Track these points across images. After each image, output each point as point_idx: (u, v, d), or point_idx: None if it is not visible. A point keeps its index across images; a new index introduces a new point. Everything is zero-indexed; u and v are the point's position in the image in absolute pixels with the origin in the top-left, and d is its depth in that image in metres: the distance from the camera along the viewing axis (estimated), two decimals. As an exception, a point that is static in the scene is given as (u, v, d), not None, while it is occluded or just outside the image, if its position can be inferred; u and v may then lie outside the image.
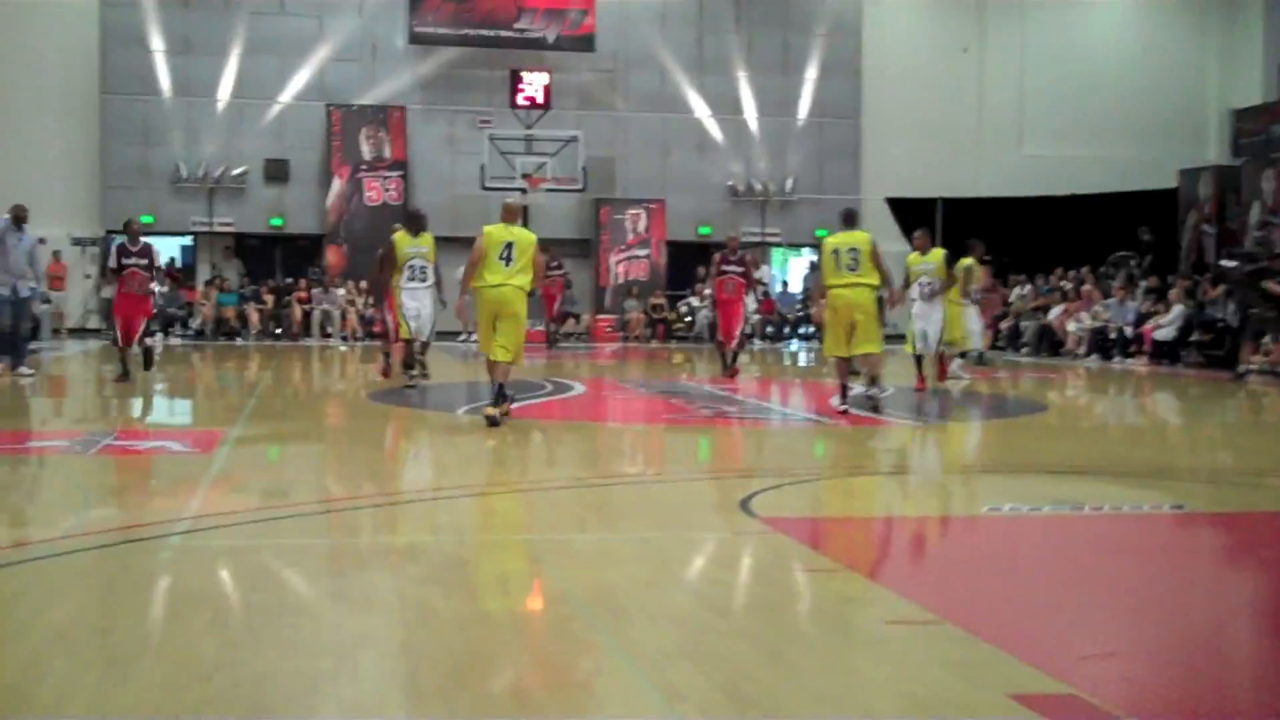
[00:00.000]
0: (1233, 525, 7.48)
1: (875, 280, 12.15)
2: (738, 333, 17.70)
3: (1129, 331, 22.95)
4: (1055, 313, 25.06)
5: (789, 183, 30.31)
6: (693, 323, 28.54)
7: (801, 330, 29.24)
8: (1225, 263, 23.64)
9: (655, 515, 7.29)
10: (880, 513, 7.97)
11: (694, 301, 28.70)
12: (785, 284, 31.01)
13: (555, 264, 23.48)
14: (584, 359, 21.88)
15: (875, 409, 12.14)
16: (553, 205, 28.78)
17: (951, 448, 11.14)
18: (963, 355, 16.76)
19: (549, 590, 5.49)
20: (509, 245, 10.96)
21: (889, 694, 4.03)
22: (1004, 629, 4.84)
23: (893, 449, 10.81)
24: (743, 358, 19.18)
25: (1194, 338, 21.88)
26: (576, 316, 28.60)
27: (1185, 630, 4.99)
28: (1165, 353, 22.14)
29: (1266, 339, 19.12)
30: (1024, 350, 24.91)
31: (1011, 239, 26.88)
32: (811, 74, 30.45)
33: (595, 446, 10.88)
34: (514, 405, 11.36)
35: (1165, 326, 22.30)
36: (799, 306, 29.63)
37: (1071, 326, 24.27)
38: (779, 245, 31.23)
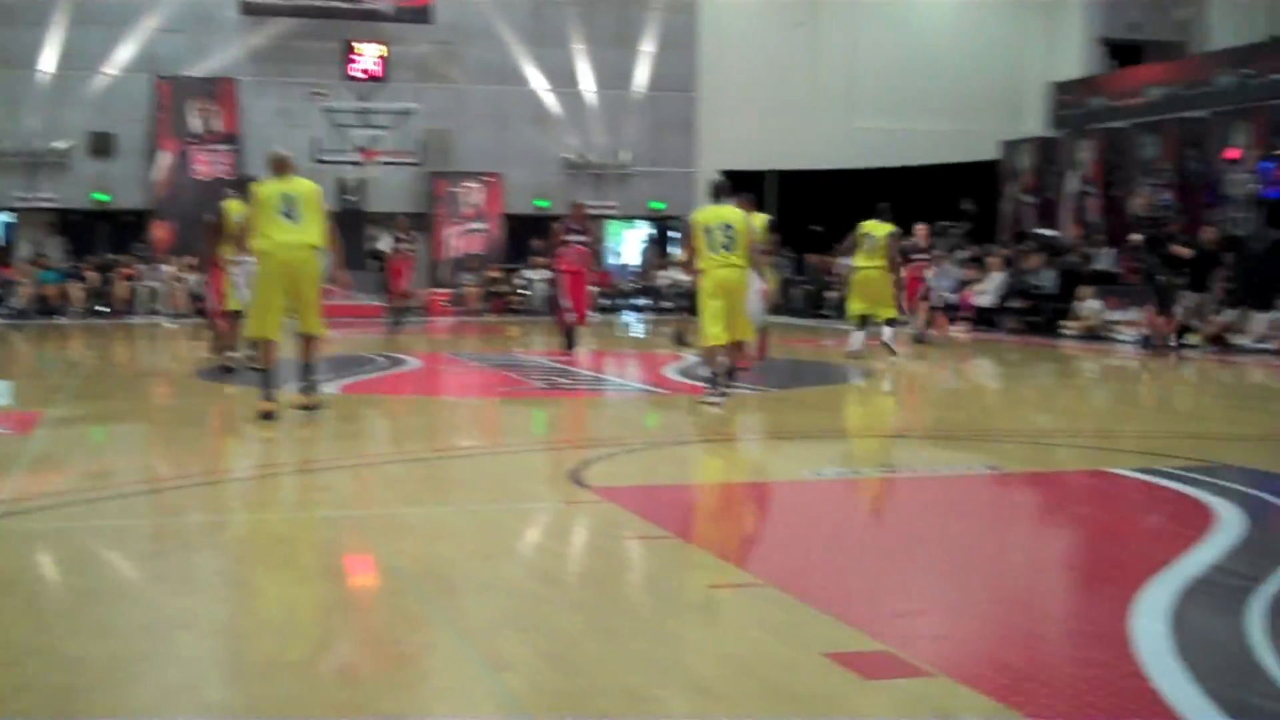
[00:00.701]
0: (1043, 484, 7.78)
1: (747, 261, 11.07)
2: (586, 306, 17.10)
3: (951, 298, 23.62)
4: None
5: (625, 155, 30.42)
6: (529, 295, 28.52)
7: (636, 302, 29.41)
8: (1045, 230, 24.48)
9: (488, 488, 7.31)
10: (709, 480, 8.10)
11: (530, 274, 28.68)
12: (620, 256, 31.18)
13: (406, 237, 23.10)
14: (418, 333, 21.70)
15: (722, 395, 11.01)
16: (388, 179, 28.47)
17: (779, 415, 11.31)
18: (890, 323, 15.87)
19: (378, 566, 5.48)
20: (287, 199, 9.45)
21: (710, 657, 4.12)
22: (824, 591, 4.98)
23: (723, 417, 10.96)
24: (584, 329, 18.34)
25: (1013, 304, 22.66)
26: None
27: (996, 586, 5.19)
28: (985, 319, 22.89)
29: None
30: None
31: (842, 210, 27.40)
32: (648, 47, 30.56)
33: (428, 420, 10.84)
34: (345, 382, 11.20)
35: (985, 294, 23.03)
36: (634, 279, 29.84)
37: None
38: (615, 218, 31.34)
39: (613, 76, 30.40)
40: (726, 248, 10.83)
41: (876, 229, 15.76)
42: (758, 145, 29.53)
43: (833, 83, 31.34)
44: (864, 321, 15.89)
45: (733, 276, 10.88)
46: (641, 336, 23.00)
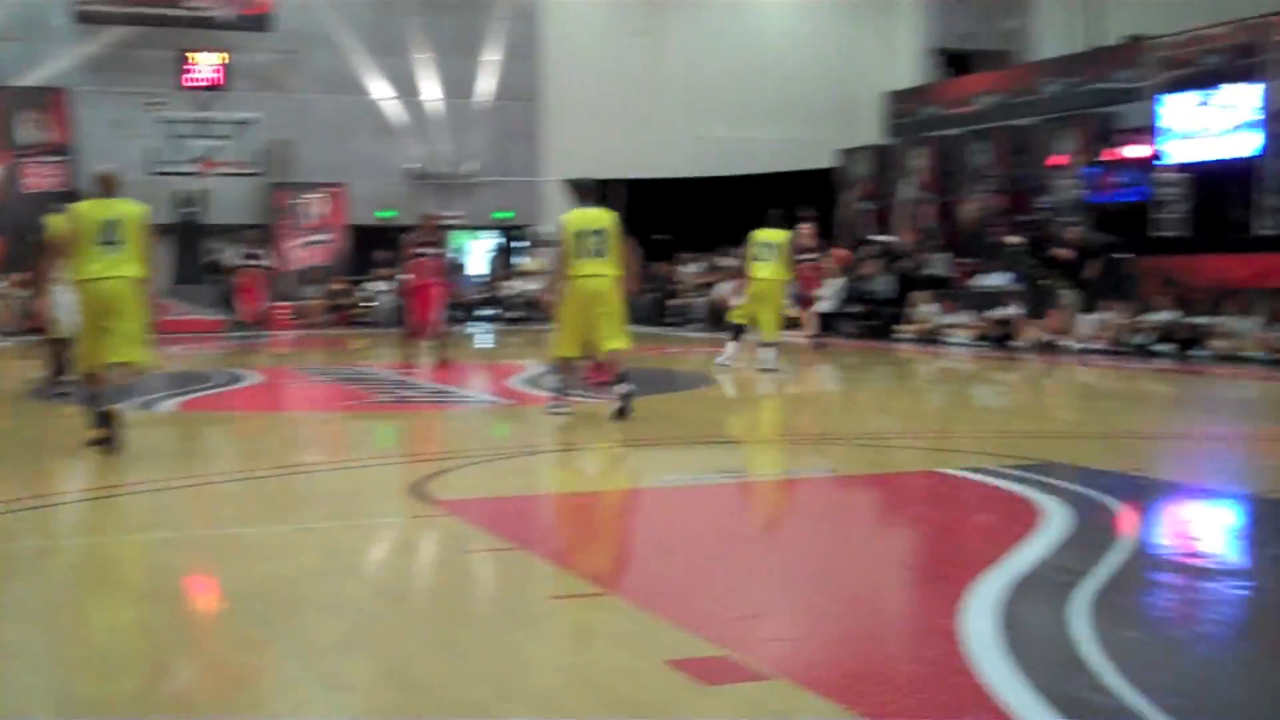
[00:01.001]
0: (879, 485, 7.96)
1: (619, 269, 10.46)
2: (437, 319, 16.30)
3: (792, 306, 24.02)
4: (723, 289, 25.94)
5: (470, 165, 30.31)
6: (374, 307, 28.24)
7: (483, 312, 29.29)
8: (881, 236, 25.01)
9: (330, 504, 7.22)
10: (554, 490, 8.13)
11: (376, 286, 28.41)
12: (464, 267, 31.02)
13: (254, 253, 22.61)
14: (260, 348, 21.33)
15: (624, 411, 10.37)
16: (229, 190, 27.94)
17: (626, 423, 11.18)
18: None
19: (215, 588, 5.40)
20: (107, 225, 8.69)
21: (552, 668, 4.15)
22: (665, 598, 5.04)
23: (566, 427, 10.98)
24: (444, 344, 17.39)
25: (851, 310, 23.13)
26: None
27: (833, 588, 5.30)
28: (824, 324, 23.27)
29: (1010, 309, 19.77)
30: (695, 326, 25.68)
31: (685, 218, 27.73)
32: (491, 56, 30.49)
33: (269, 437, 10.67)
34: (184, 400, 10.95)
35: (824, 299, 23.43)
36: (482, 288, 29.75)
37: (737, 301, 25.15)
38: (461, 228, 31.18)
39: (456, 85, 30.27)
40: (598, 253, 10.31)
41: (773, 236, 15.28)
42: (603, 154, 29.62)
43: (675, 91, 31.62)
44: (739, 332, 15.64)
45: (603, 286, 10.35)
46: (488, 347, 22.91)
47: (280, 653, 4.37)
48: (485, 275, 30.99)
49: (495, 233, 31.94)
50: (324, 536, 6.25)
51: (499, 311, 29.17)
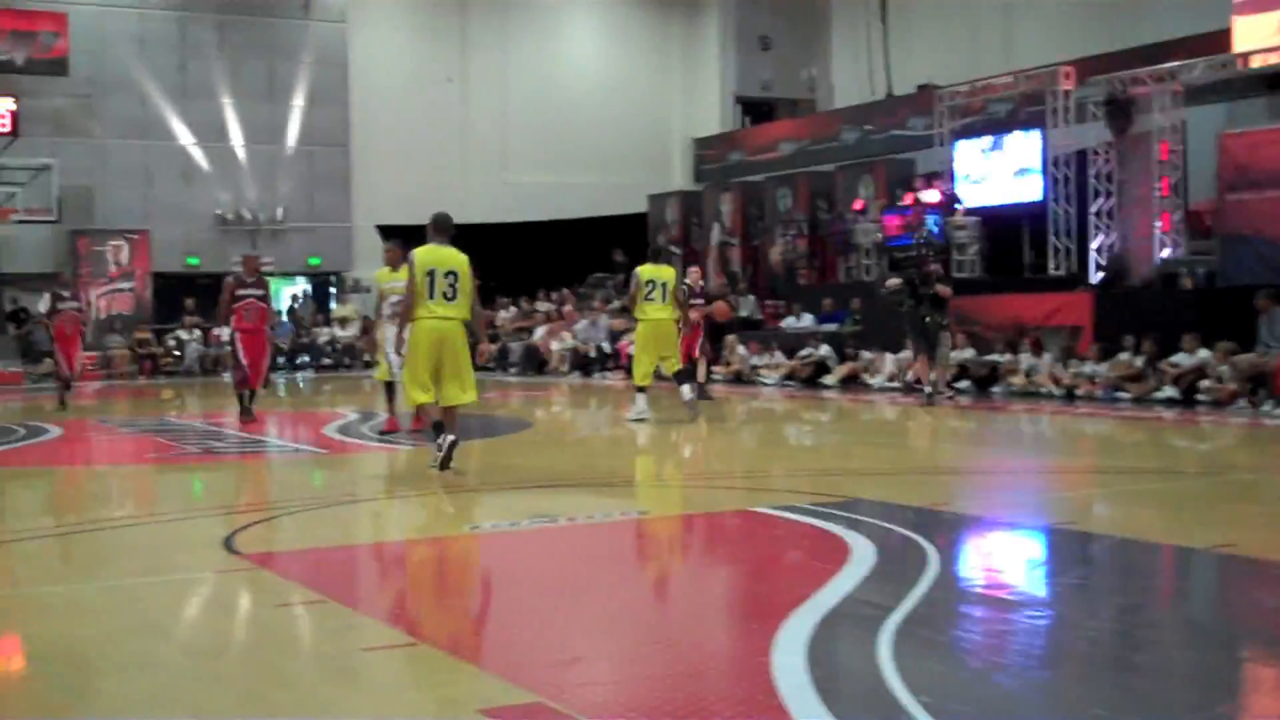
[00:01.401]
0: (691, 526, 8.08)
1: (466, 313, 9.83)
2: (264, 367, 15.13)
3: (606, 348, 24.24)
4: (539, 333, 26.07)
5: (279, 211, 29.84)
6: (182, 356, 27.54)
7: (297, 360, 28.80)
8: (687, 282, 25.32)
9: (135, 560, 7.02)
10: (367, 540, 8.03)
11: (183, 334, 27.73)
12: (279, 313, 30.44)
13: (68, 294, 21.69)
14: (65, 399, 20.55)
15: (446, 462, 9.75)
16: (25, 237, 27.01)
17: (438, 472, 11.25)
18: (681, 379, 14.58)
19: (14, 650, 5.20)
20: None
21: (364, 721, 4.11)
22: (479, 646, 5.04)
23: (382, 475, 10.89)
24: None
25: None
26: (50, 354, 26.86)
27: (647, 630, 5.34)
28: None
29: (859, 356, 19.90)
30: (513, 370, 25.69)
31: (498, 263, 27.74)
32: (299, 101, 30.15)
33: (72, 492, 10.32)
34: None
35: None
36: (294, 335, 29.26)
37: (555, 345, 25.32)
38: (271, 274, 30.61)
39: (264, 131, 29.83)
40: (447, 297, 9.65)
41: (661, 273, 14.34)
42: (414, 199, 29.20)
43: (486, 137, 31.68)
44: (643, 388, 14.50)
45: (450, 330, 9.66)
46: (300, 395, 22.52)
47: (81, 716, 4.23)
48: (294, 322, 30.49)
49: (305, 279, 31.48)
50: (128, 594, 6.06)
51: (310, 359, 28.72)
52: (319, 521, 8.43)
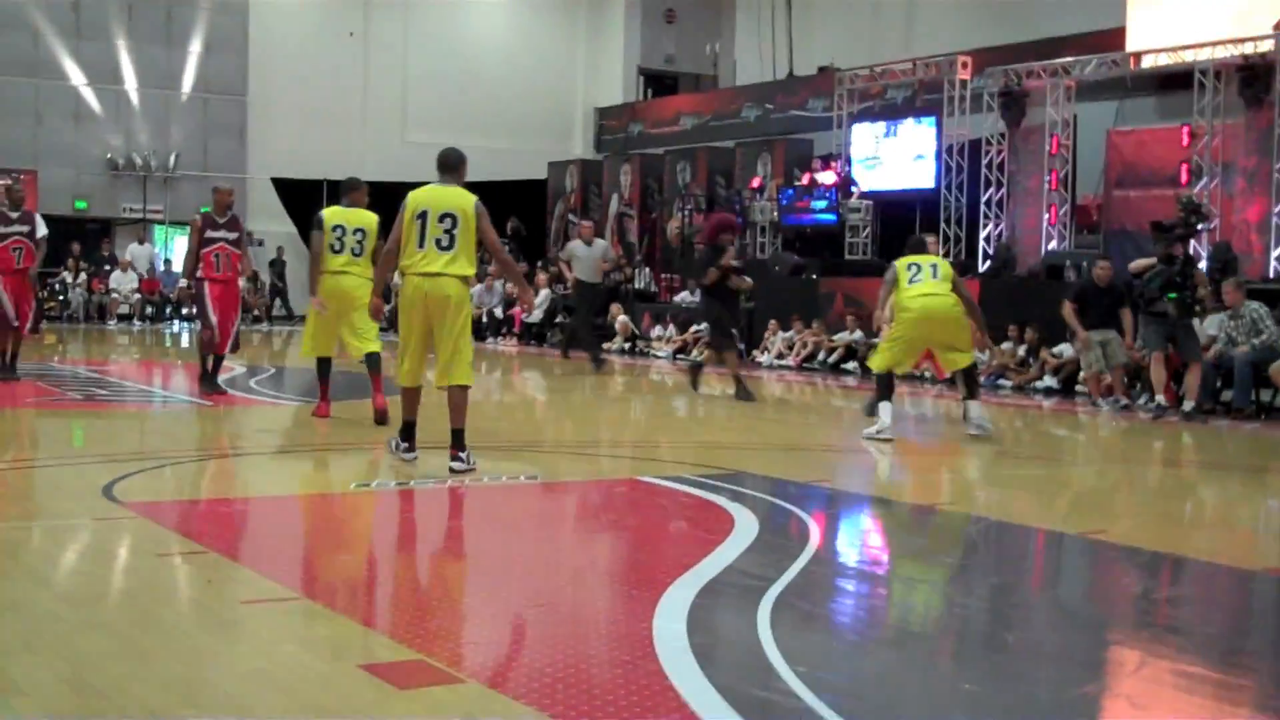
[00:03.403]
0: (580, 492, 8.12)
1: (467, 268, 8.00)
2: (235, 327, 12.44)
3: (499, 314, 24.21)
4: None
5: (172, 158, 29.23)
6: (67, 302, 26.97)
7: (185, 310, 28.33)
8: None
9: (11, 505, 6.90)
10: (251, 493, 7.95)
11: (68, 278, 27.17)
12: (169, 262, 29.90)
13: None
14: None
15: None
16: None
17: (328, 427, 11.08)
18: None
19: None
20: None
21: (241, 673, 4.07)
22: (362, 602, 5.03)
23: (269, 429, 10.77)
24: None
25: (558, 320, 23.44)
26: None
27: (531, 593, 5.35)
28: (533, 334, 23.58)
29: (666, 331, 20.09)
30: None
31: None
32: (196, 47, 29.51)
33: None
34: None
35: (533, 310, 23.66)
36: (183, 286, 28.76)
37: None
38: (161, 223, 30.05)
39: (159, 75, 29.17)
40: (447, 247, 7.87)
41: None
42: (312, 154, 29.05)
43: (386, 95, 31.31)
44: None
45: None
46: (187, 346, 22.15)
47: (-50, 660, 4.16)
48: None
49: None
50: (6, 539, 5.96)
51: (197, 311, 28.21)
52: (203, 473, 8.35)
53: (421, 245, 7.83)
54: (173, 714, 3.68)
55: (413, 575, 5.64)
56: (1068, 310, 13.85)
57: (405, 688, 3.93)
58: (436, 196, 7.92)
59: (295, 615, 4.75)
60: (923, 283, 10.41)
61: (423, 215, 7.86)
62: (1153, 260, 13.23)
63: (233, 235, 12.44)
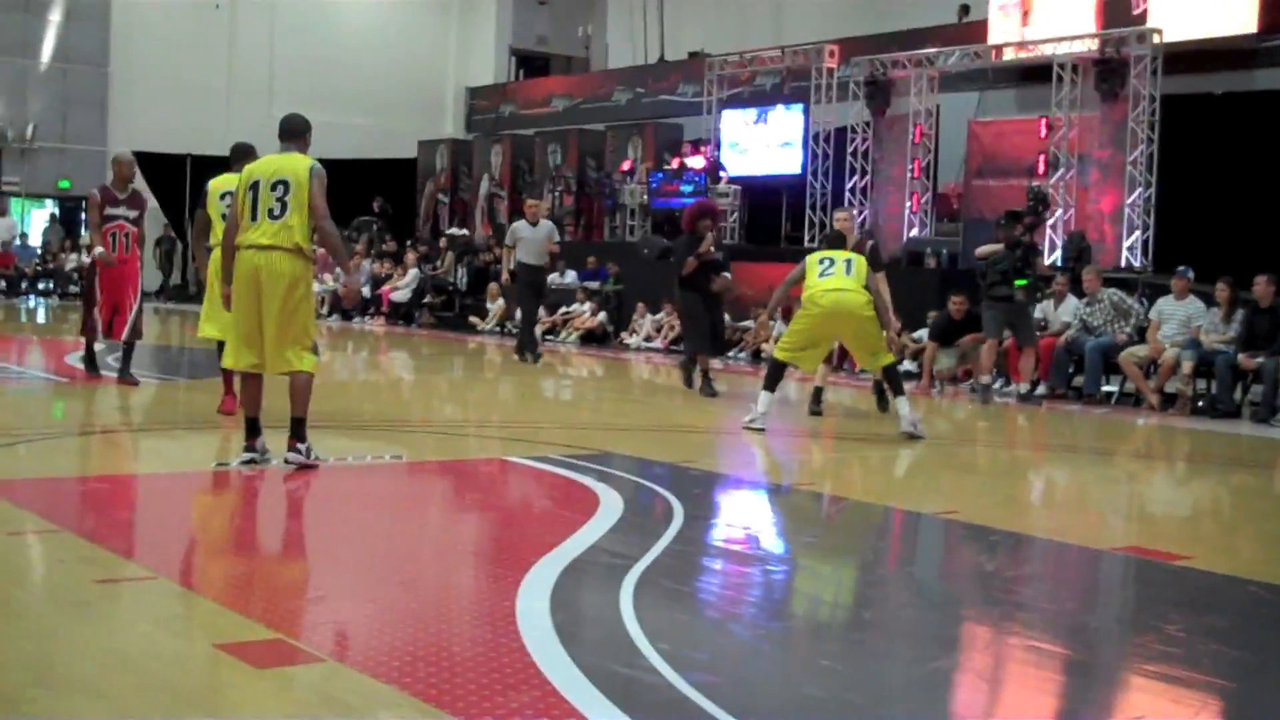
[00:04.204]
0: (446, 472, 8.11)
1: (300, 238, 7.28)
2: (133, 312, 11.37)
3: (367, 293, 23.99)
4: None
5: (29, 129, 28.39)
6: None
7: (41, 285, 27.61)
8: (457, 230, 25.28)
9: None
10: (109, 471, 7.77)
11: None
12: (25, 236, 29.08)
13: None
14: None
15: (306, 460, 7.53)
16: None
17: (195, 405, 10.90)
18: None
19: None
20: None
21: (94, 654, 3.99)
22: (219, 582, 4.96)
23: (126, 407, 10.54)
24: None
25: (426, 300, 23.32)
26: None
27: (394, 572, 5.33)
28: (401, 314, 23.41)
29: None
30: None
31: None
32: (55, 16, 28.73)
33: None
34: None
35: (401, 289, 23.53)
36: (37, 261, 28.03)
37: (315, 287, 24.87)
38: (18, 195, 29.20)
39: (16, 43, 28.35)
40: (279, 215, 7.25)
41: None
42: (176, 129, 28.45)
43: (252, 70, 30.75)
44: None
45: (277, 264, 7.21)
46: (44, 322, 21.59)
47: None
48: (41, 247, 29.14)
49: (55, 202, 30.09)
50: None
51: (56, 286, 27.55)
52: (58, 451, 8.15)
53: (255, 217, 7.27)
54: (23, 695, 3.60)
55: (272, 555, 5.59)
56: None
57: (262, 667, 3.88)
58: (271, 164, 7.37)
59: (151, 595, 4.68)
60: (834, 277, 10.08)
61: (255, 185, 7.31)
62: (999, 246, 13.58)
63: (133, 213, 11.53)
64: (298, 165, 7.31)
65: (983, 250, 13.83)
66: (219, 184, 9.18)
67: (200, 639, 4.13)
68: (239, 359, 7.50)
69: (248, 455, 7.40)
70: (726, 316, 15.28)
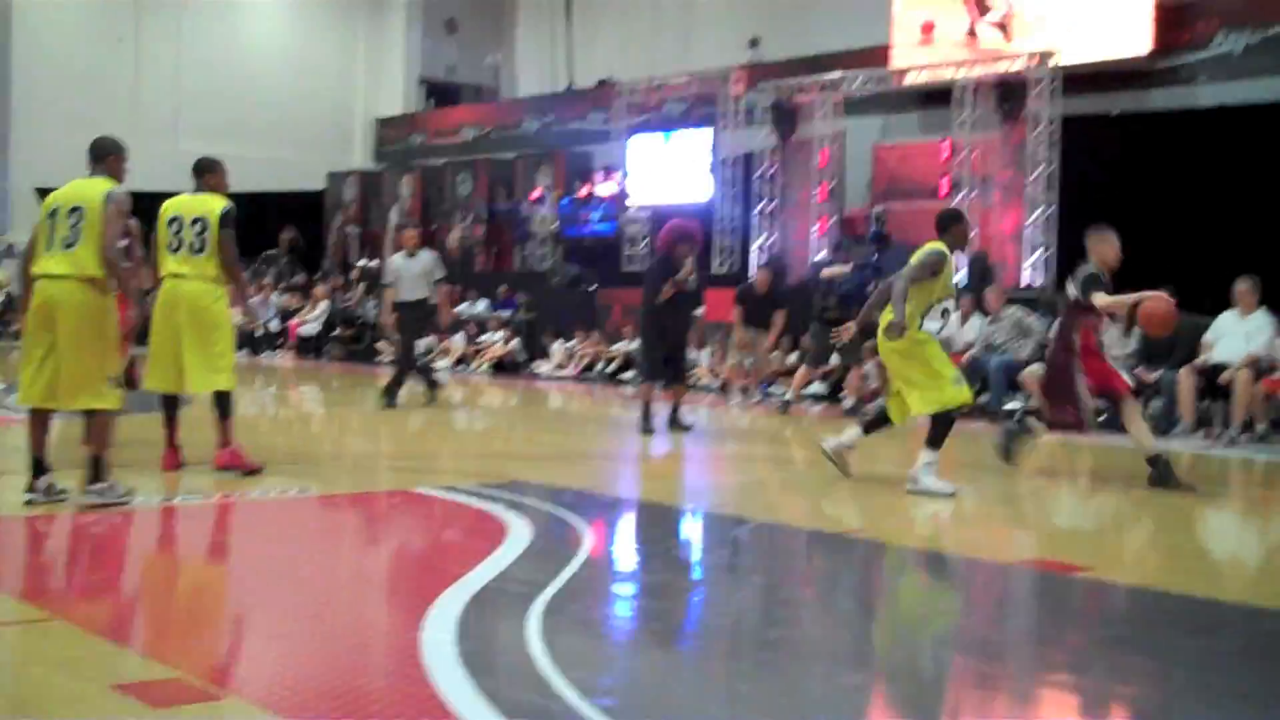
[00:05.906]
0: (353, 505, 8.02)
1: (93, 268, 7.02)
2: None
3: (275, 326, 23.78)
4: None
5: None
6: None
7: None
8: (367, 261, 25.11)
9: None
10: (4, 513, 7.62)
11: None
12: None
13: None
14: None
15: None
16: None
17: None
18: None
19: None
20: None
21: (-14, 698, 3.93)
22: (117, 622, 4.88)
23: (24, 448, 10.30)
24: None
25: (336, 333, 23.16)
26: None
27: (298, 607, 5.26)
28: (311, 347, 23.23)
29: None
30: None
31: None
32: (-46, 50, 28.22)
33: None
34: None
35: (310, 322, 23.35)
36: None
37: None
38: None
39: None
40: (70, 244, 7.03)
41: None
42: (79, 163, 27.61)
43: (158, 102, 30.34)
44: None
45: (67, 295, 6.99)
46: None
47: None
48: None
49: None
50: None
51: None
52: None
53: (50, 247, 7.06)
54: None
55: (172, 592, 5.50)
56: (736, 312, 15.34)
57: (162, 706, 3.82)
58: (70, 191, 7.23)
59: (45, 637, 4.58)
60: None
61: (53, 213, 7.13)
62: (846, 268, 13.70)
63: None
64: (93, 191, 7.13)
65: (829, 272, 13.94)
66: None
67: (97, 679, 4.03)
68: (28, 395, 7.20)
69: (27, 496, 7.11)
70: (639, 341, 14.86)
